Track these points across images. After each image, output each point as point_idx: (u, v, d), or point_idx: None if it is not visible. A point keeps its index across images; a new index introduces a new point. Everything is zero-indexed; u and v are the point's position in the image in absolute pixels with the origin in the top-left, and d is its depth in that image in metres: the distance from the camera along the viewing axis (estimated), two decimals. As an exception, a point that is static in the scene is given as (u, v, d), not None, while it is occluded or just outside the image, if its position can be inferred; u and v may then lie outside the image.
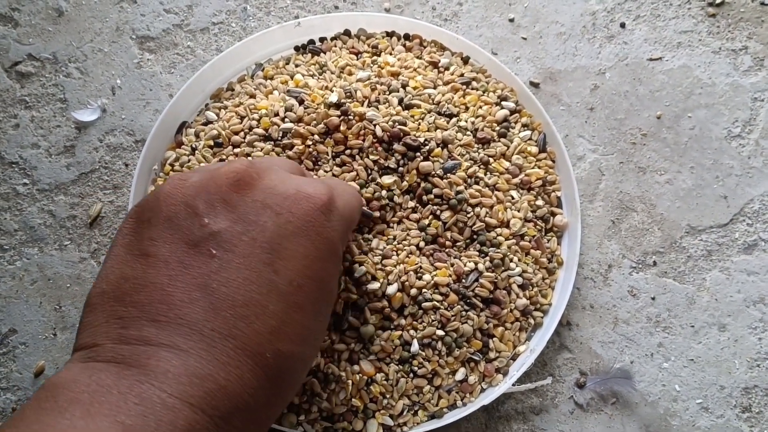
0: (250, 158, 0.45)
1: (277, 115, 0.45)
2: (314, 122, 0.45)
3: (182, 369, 0.24)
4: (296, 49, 0.51)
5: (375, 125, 0.44)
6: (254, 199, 0.27)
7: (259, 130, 0.45)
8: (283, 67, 0.50)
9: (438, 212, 0.44)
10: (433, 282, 0.43)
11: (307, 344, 0.28)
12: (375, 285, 0.42)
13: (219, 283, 0.25)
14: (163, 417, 0.22)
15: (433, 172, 0.44)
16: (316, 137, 0.44)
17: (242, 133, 0.46)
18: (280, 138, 0.45)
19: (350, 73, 0.48)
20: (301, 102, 0.45)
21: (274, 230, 0.27)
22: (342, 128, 0.44)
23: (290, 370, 0.27)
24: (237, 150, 0.45)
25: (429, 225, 0.44)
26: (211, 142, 0.46)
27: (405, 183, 0.44)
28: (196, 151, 0.46)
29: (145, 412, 0.22)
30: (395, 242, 0.44)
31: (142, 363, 0.24)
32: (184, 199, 0.28)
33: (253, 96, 0.48)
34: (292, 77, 0.48)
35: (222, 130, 0.46)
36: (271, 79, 0.49)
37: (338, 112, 0.44)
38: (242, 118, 0.46)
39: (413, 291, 0.42)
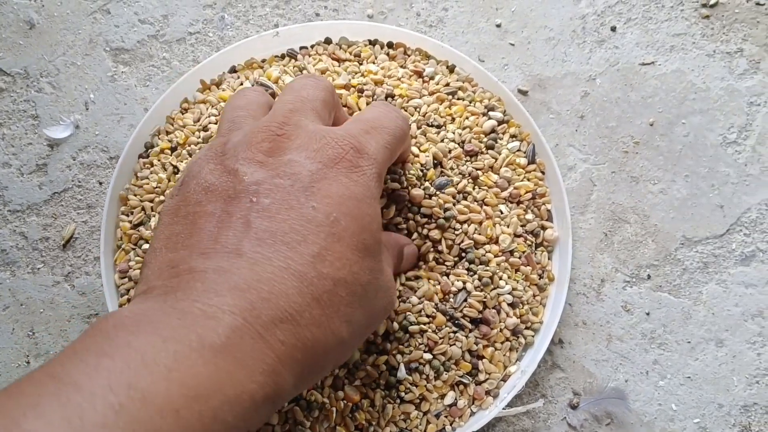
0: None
1: None
2: None
3: (225, 285, 0.25)
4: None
5: None
6: (288, 158, 0.30)
7: (215, 127, 0.44)
8: (258, 67, 0.48)
9: (425, 232, 0.42)
10: (419, 305, 0.41)
11: (353, 276, 0.28)
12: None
13: (261, 220, 0.27)
14: (204, 325, 0.24)
15: (424, 195, 0.42)
16: None
17: (198, 133, 0.44)
18: None
19: (332, 79, 0.46)
20: (272, 96, 0.44)
21: (308, 176, 0.29)
22: None
23: (337, 296, 0.28)
24: (190, 149, 0.44)
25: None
26: (169, 145, 0.45)
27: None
28: (155, 159, 0.45)
29: (186, 324, 0.23)
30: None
31: (188, 287, 0.25)
32: (221, 162, 0.30)
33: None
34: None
35: (179, 129, 0.45)
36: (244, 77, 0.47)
37: None
38: (200, 117, 0.45)
39: (399, 317, 0.41)
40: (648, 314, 0.45)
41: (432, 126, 0.45)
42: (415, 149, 0.43)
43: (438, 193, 0.42)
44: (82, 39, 0.50)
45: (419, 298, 0.41)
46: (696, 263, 0.46)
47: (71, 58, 0.50)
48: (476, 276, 0.42)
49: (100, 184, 0.48)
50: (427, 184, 0.42)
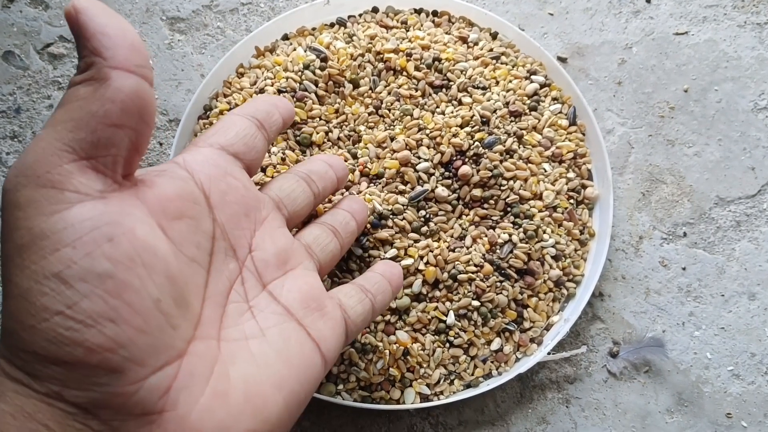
0: None
1: (301, 69, 0.46)
2: (336, 72, 0.46)
3: None
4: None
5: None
6: None
7: (271, 89, 0.46)
8: (309, 34, 0.50)
9: (472, 192, 0.44)
10: (468, 256, 0.43)
11: None
12: (408, 261, 0.42)
13: None
14: None
15: (470, 153, 0.44)
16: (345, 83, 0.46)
17: (255, 95, 0.47)
18: (300, 80, 0.46)
19: (381, 44, 0.48)
20: (323, 60, 0.46)
21: None
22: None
23: None
24: None
25: (465, 216, 0.45)
26: (227, 107, 0.47)
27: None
28: (214, 120, 0.47)
29: None
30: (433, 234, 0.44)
31: None
32: None
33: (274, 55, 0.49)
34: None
35: (237, 91, 0.47)
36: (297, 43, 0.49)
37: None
38: (257, 81, 0.47)
39: (448, 266, 0.43)
40: (684, 269, 0.48)
41: (478, 88, 0.47)
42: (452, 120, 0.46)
43: (486, 151, 0.44)
44: (139, 8, 0.53)
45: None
46: (729, 222, 0.48)
47: (129, 26, 0.52)
48: (521, 229, 0.44)
49: (161, 144, 0.50)
50: (477, 143, 0.44)
